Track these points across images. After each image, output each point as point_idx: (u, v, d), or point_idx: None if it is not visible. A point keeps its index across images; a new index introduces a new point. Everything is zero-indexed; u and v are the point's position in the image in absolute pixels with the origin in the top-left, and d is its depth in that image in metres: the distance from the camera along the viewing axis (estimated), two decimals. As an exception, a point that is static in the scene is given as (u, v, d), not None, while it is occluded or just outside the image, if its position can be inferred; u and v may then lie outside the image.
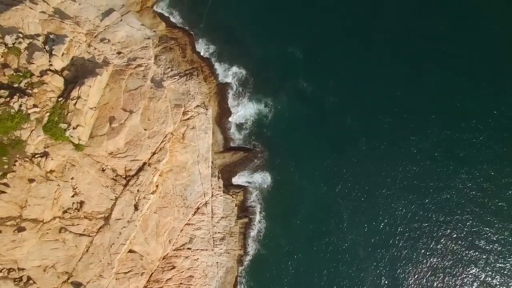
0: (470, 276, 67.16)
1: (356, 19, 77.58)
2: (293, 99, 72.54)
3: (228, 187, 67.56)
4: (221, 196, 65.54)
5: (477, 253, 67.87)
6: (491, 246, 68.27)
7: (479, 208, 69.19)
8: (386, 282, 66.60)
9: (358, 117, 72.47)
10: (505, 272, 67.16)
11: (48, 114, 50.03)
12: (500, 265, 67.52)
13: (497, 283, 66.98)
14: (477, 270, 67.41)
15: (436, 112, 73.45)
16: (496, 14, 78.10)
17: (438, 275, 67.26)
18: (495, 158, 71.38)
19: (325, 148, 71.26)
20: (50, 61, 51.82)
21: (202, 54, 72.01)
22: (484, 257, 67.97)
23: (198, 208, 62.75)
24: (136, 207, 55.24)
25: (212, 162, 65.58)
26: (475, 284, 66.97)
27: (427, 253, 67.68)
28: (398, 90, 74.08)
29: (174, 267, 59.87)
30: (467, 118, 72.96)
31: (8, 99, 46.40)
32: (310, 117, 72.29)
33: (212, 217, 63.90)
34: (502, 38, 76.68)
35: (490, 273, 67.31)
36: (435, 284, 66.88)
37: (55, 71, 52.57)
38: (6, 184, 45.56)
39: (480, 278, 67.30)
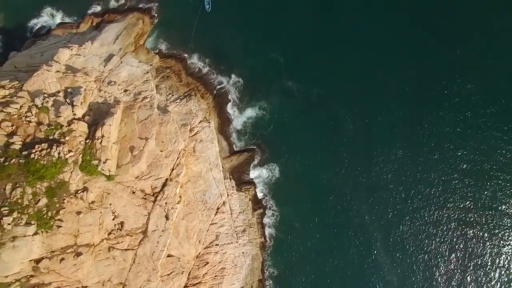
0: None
1: (322, 20, 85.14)
2: (283, 98, 79.20)
3: (240, 185, 73.84)
4: (236, 194, 71.89)
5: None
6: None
7: (467, 172, 77.01)
8: (392, 240, 74.00)
9: (341, 102, 79.63)
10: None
11: (81, 155, 56.16)
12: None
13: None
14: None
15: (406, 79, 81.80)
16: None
17: (436, 236, 74.86)
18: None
19: (318, 135, 78.29)
20: (73, 111, 58.10)
21: (195, 74, 77.97)
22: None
23: (218, 209, 68.79)
24: (167, 218, 61.04)
25: (222, 167, 71.60)
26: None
27: (423, 213, 75.60)
28: (372, 73, 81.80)
29: (207, 263, 66.18)
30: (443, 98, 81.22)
31: (49, 150, 52.75)
32: (301, 110, 79.21)
33: (231, 214, 70.18)
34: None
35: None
36: (433, 243, 74.44)
37: (79, 119, 58.76)
38: (60, 220, 51.95)
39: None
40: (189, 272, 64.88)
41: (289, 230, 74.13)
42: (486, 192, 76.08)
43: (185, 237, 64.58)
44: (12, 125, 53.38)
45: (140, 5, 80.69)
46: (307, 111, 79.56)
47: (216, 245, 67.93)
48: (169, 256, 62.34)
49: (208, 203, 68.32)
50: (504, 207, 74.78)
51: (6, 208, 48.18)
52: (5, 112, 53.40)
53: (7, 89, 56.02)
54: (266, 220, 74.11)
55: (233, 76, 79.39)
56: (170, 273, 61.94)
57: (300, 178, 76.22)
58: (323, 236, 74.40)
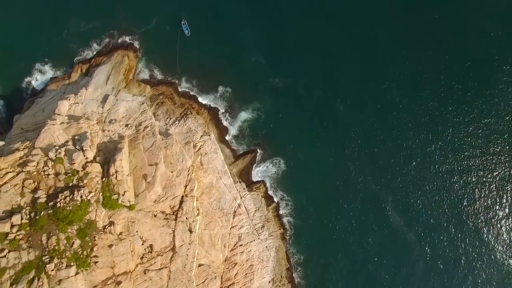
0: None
1: (292, 14, 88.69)
2: (272, 95, 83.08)
3: (250, 185, 78.20)
4: (248, 194, 76.06)
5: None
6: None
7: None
8: (401, 202, 79.63)
9: (327, 86, 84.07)
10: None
11: (101, 193, 59.68)
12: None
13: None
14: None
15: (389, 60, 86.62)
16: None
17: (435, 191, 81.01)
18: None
19: (313, 121, 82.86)
20: (84, 156, 61.48)
21: (187, 94, 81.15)
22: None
23: (234, 212, 72.85)
24: (190, 231, 64.65)
25: (230, 173, 75.44)
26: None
27: (425, 174, 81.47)
28: (352, 55, 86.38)
29: (236, 264, 70.55)
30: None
31: (71, 196, 56.45)
32: (292, 102, 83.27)
33: (248, 214, 74.37)
34: None
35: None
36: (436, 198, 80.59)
37: (91, 161, 62.15)
38: (96, 256, 55.84)
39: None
40: (221, 276, 68.75)
41: (305, 216, 78.36)
42: (491, 149, 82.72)
43: (210, 245, 68.48)
44: (33, 182, 57.04)
45: (121, 40, 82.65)
46: (298, 102, 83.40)
47: (240, 245, 72.00)
48: (200, 265, 65.95)
49: (225, 209, 72.09)
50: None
51: (47, 256, 52.39)
52: (25, 171, 57.18)
53: (21, 150, 59.64)
54: (281, 211, 78.18)
55: (223, 86, 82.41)
56: (204, 280, 65.83)
57: (304, 165, 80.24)
58: (337, 213, 78.97)
